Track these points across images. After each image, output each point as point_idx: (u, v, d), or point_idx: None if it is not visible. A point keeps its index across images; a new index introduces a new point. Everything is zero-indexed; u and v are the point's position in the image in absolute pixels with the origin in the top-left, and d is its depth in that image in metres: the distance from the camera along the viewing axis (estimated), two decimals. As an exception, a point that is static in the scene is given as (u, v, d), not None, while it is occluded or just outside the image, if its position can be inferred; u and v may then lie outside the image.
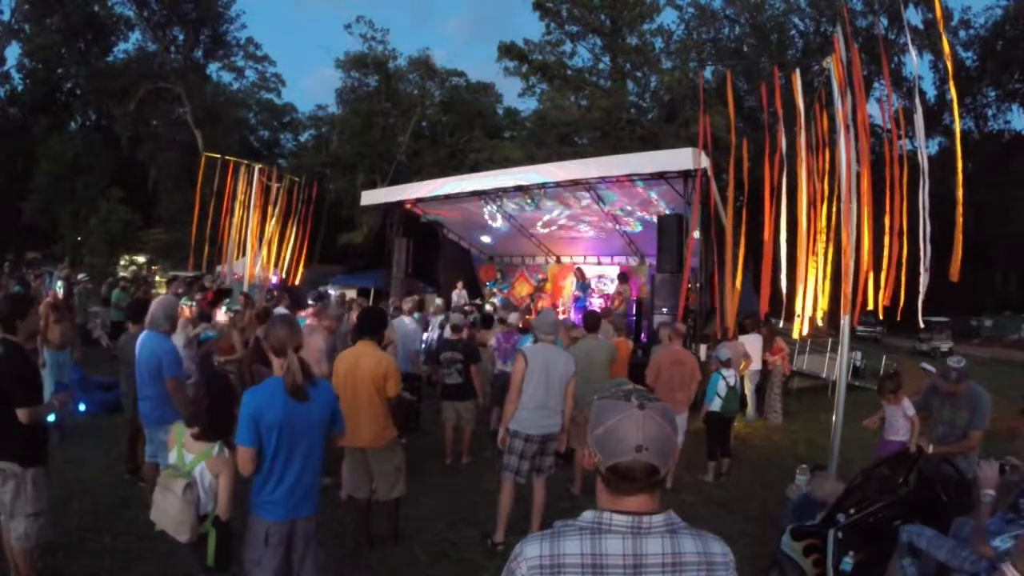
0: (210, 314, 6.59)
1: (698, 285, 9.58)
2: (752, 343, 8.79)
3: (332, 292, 13.40)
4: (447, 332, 6.57)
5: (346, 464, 4.09)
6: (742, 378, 8.41)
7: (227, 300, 7.17)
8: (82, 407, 6.42)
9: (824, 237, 5.39)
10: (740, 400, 7.57)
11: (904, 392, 4.77)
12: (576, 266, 13.77)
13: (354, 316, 7.06)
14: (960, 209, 4.62)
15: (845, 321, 5.05)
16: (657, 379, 5.67)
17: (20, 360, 3.01)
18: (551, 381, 4.18)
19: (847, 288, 4.81)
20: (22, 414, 2.89)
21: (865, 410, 9.38)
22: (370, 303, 12.52)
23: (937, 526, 3.30)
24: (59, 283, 7.10)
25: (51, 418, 3.20)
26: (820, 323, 5.61)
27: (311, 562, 2.68)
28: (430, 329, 9.11)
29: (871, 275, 4.85)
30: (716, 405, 6.14)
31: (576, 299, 12.77)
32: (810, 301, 5.42)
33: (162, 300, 4.38)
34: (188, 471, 2.63)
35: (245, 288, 11.32)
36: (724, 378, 6.15)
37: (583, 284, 12.81)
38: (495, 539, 4.20)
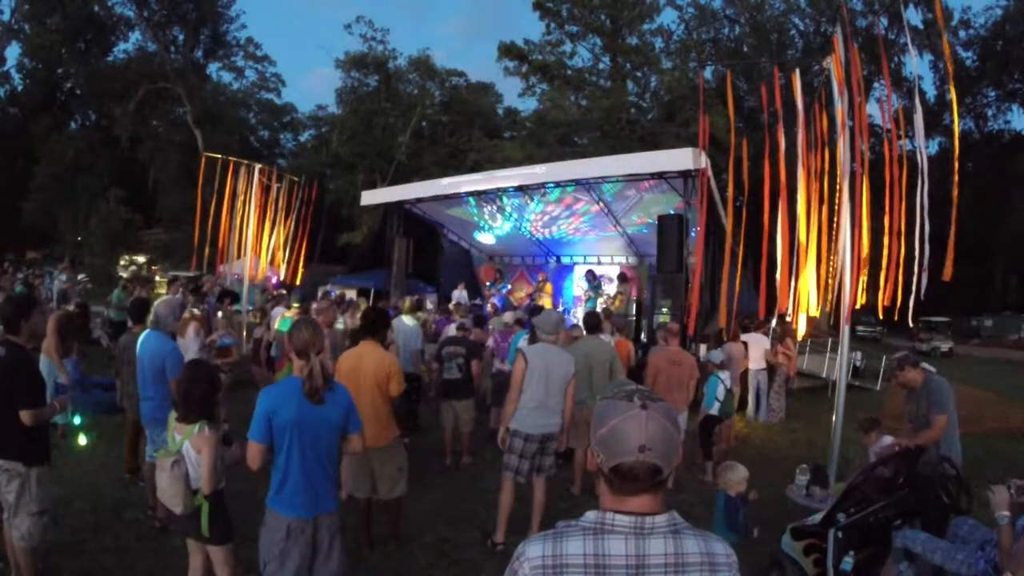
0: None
1: (699, 285, 9.59)
2: (756, 342, 8.79)
3: (332, 292, 13.41)
4: (452, 330, 6.60)
5: (347, 463, 4.09)
6: (744, 377, 8.41)
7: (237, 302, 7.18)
8: (77, 420, 6.18)
9: (823, 237, 5.39)
10: (741, 400, 7.57)
11: (881, 429, 4.79)
12: (588, 268, 13.70)
13: (353, 317, 7.09)
14: (955, 210, 4.63)
15: (845, 320, 5.05)
16: (655, 380, 5.67)
17: (23, 362, 3.03)
18: (551, 381, 4.18)
19: (844, 286, 4.82)
20: (25, 416, 2.91)
21: (865, 410, 9.38)
22: (370, 303, 12.51)
23: (937, 526, 3.30)
24: (59, 289, 6.98)
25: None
26: (816, 316, 5.61)
27: (336, 556, 2.72)
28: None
29: (865, 275, 4.84)
30: (714, 409, 6.15)
31: (587, 299, 12.74)
32: (806, 300, 5.42)
33: (167, 300, 4.39)
34: (176, 449, 2.79)
35: (245, 288, 11.33)
36: (722, 381, 6.16)
37: (595, 285, 12.73)
38: (495, 539, 4.20)
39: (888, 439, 4.50)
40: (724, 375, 6.20)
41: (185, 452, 2.78)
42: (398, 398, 3.98)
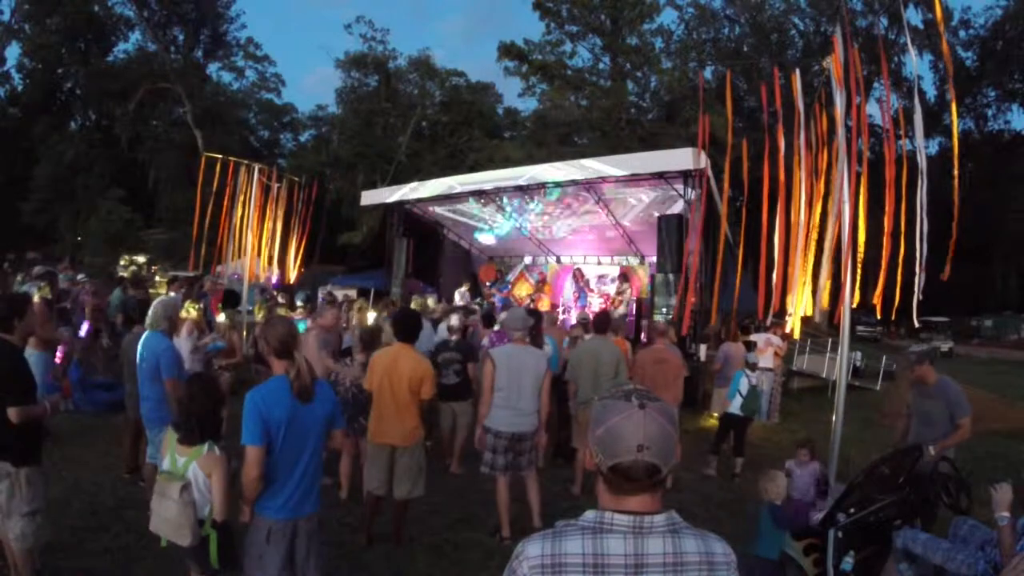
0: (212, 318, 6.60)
1: (699, 285, 9.60)
2: (767, 342, 8.80)
3: (336, 293, 13.40)
4: (444, 333, 6.55)
5: (369, 460, 4.15)
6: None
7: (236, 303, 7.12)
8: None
9: (817, 236, 5.38)
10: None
11: (810, 451, 4.80)
12: (576, 267, 13.77)
13: (355, 317, 7.07)
14: (955, 209, 4.62)
15: (845, 321, 5.04)
16: (641, 380, 5.66)
17: (13, 359, 3.00)
18: (522, 381, 4.24)
19: (844, 286, 4.81)
20: (12, 413, 2.87)
21: (865, 410, 9.35)
22: (370, 304, 12.49)
23: (928, 522, 3.31)
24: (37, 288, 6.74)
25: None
26: (811, 316, 5.61)
27: (315, 561, 2.67)
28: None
29: (849, 273, 4.83)
30: (736, 404, 6.12)
31: (576, 299, 12.82)
32: (803, 300, 5.41)
33: (162, 300, 4.39)
34: (182, 473, 2.61)
35: (245, 288, 11.32)
36: (746, 375, 6.14)
37: (579, 286, 12.84)
38: (503, 534, 4.29)
39: (815, 465, 4.48)
40: (752, 373, 6.19)
41: (192, 476, 2.60)
42: (427, 402, 4.11)
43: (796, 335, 5.92)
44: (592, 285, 13.60)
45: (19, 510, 2.97)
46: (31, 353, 4.92)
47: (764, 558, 3.51)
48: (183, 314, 5.31)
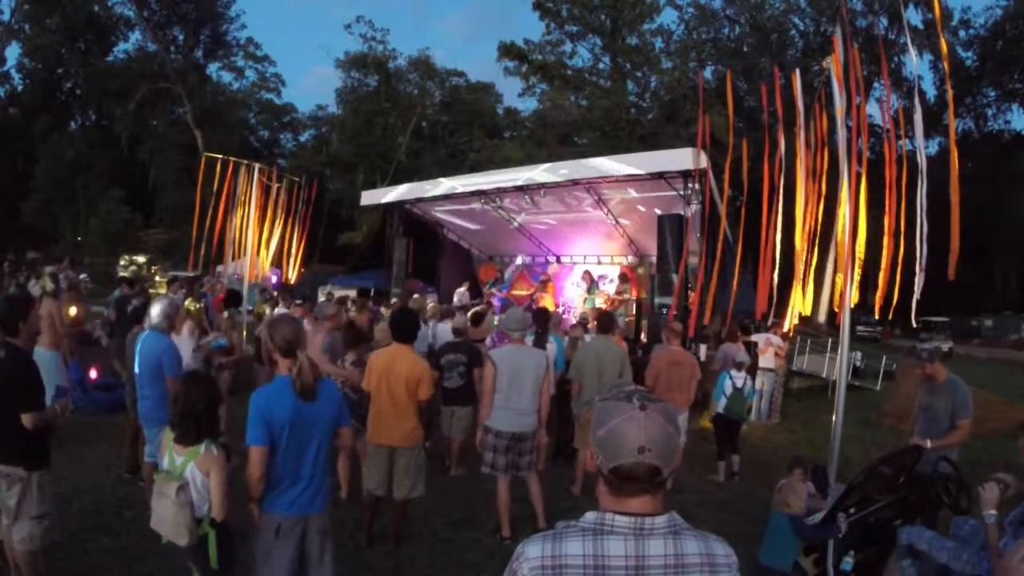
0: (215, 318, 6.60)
1: (699, 285, 9.58)
2: (768, 342, 8.79)
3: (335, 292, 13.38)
4: (443, 334, 6.53)
5: (368, 461, 4.15)
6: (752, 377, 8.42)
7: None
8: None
9: (818, 236, 5.38)
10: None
11: (805, 473, 4.73)
12: (585, 269, 13.73)
13: (354, 315, 7.07)
14: (955, 210, 4.61)
15: (845, 321, 5.04)
16: (656, 382, 5.66)
17: (23, 364, 2.96)
18: (522, 382, 4.26)
19: (846, 286, 4.81)
20: (26, 419, 2.85)
21: (865, 410, 9.32)
22: (370, 303, 12.49)
23: (929, 521, 3.30)
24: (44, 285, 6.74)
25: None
26: (811, 316, 5.61)
27: (331, 562, 2.68)
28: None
29: (852, 273, 4.83)
30: (721, 405, 6.13)
31: (584, 300, 12.78)
32: (806, 298, 5.41)
33: (161, 299, 4.39)
34: (179, 473, 2.60)
35: (245, 288, 11.32)
36: (731, 379, 6.15)
37: (590, 287, 12.81)
38: (503, 534, 4.30)
39: (809, 485, 4.36)
40: (738, 374, 6.20)
41: (189, 475, 2.57)
42: (426, 402, 4.10)
43: (792, 333, 5.92)
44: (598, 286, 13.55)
45: (28, 513, 2.95)
46: (43, 352, 4.95)
47: (772, 568, 3.48)
48: (182, 312, 5.31)
